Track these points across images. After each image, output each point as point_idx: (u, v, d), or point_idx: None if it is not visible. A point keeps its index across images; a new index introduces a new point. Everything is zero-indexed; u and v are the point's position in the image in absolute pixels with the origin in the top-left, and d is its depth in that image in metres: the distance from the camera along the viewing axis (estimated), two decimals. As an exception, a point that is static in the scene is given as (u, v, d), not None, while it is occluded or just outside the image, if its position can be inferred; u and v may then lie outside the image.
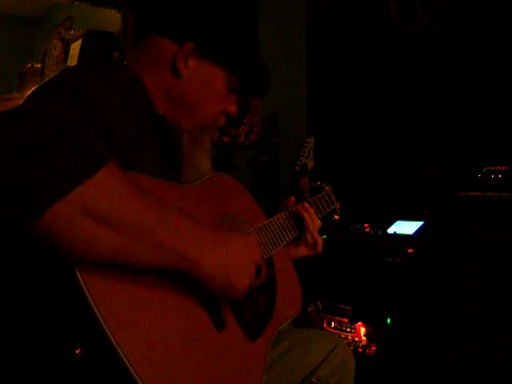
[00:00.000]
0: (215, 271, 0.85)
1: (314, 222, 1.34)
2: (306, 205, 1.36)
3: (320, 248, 1.38)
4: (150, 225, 0.75)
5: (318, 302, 2.28)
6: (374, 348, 2.09)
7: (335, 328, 2.23)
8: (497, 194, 1.93)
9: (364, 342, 2.12)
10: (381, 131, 2.73)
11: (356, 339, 2.15)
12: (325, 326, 2.27)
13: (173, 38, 1.05)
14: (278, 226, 1.24)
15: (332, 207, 1.45)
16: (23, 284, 0.76)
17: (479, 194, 1.96)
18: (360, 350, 2.11)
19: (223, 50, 1.09)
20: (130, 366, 0.71)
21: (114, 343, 0.70)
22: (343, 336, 2.19)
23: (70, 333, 0.73)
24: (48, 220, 0.67)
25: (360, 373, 1.39)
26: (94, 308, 0.70)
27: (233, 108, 1.15)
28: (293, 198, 1.39)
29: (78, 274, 0.71)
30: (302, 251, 1.36)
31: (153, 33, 1.07)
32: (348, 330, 2.19)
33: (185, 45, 1.04)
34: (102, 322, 0.70)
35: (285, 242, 1.26)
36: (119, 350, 0.71)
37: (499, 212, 1.91)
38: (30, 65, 4.02)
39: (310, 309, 2.28)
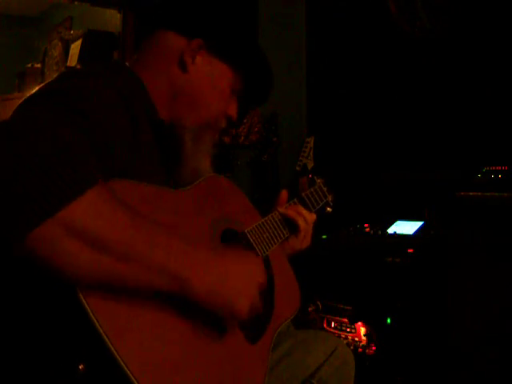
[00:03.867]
0: (209, 293, 0.80)
1: (306, 220, 1.32)
2: (293, 205, 1.34)
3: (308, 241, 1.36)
4: (138, 247, 0.73)
5: (318, 302, 2.28)
6: (374, 348, 2.09)
7: (335, 328, 2.23)
8: (497, 193, 1.92)
9: (364, 342, 2.12)
10: (381, 131, 2.73)
11: (356, 339, 2.15)
12: (325, 326, 2.27)
13: (182, 32, 1.05)
14: (272, 225, 1.24)
15: (324, 200, 1.45)
16: (25, 299, 0.75)
17: (479, 193, 1.96)
18: (360, 350, 2.11)
19: (230, 47, 1.09)
20: (133, 378, 0.70)
21: (117, 356, 0.70)
22: (343, 336, 2.19)
23: (73, 348, 0.73)
24: (33, 241, 0.65)
25: (360, 373, 1.39)
26: (95, 322, 0.70)
27: (233, 111, 1.15)
28: (285, 192, 1.37)
29: (78, 288, 0.70)
30: (290, 247, 1.34)
31: (159, 28, 1.06)
32: (348, 330, 2.19)
33: (193, 40, 1.04)
34: (104, 335, 0.70)
35: (280, 241, 1.26)
36: (121, 362, 0.70)
37: (499, 212, 1.90)
38: (30, 65, 4.02)
39: (310, 309, 2.28)
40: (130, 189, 0.84)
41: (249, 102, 1.23)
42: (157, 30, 1.07)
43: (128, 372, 0.70)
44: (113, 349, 0.70)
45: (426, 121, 2.55)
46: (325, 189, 1.46)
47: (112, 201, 0.73)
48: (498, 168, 2.02)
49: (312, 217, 1.35)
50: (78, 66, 3.14)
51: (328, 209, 1.47)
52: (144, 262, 0.74)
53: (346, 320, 2.19)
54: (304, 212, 1.33)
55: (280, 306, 1.15)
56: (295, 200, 1.37)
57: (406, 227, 2.30)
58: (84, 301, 0.70)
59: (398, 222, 2.38)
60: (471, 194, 1.98)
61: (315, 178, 1.48)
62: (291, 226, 1.31)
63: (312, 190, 1.43)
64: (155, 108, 1.03)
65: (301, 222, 1.30)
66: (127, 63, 1.10)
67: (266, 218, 1.24)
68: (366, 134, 2.80)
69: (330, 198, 1.47)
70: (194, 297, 0.80)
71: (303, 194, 1.40)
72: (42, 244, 0.66)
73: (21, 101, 0.84)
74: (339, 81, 2.98)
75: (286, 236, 1.29)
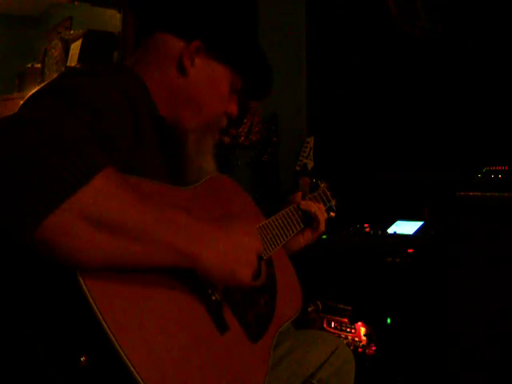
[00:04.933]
0: (217, 263, 0.84)
1: (323, 215, 1.38)
2: (318, 204, 1.40)
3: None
4: (148, 225, 0.74)
5: (318, 302, 2.28)
6: (373, 348, 2.09)
7: (335, 328, 2.23)
8: (497, 193, 1.92)
9: (364, 342, 2.12)
10: (381, 131, 2.73)
11: (356, 339, 2.15)
12: (325, 326, 2.27)
13: (180, 35, 1.05)
14: (281, 223, 1.25)
15: (328, 205, 1.46)
16: (27, 291, 0.75)
17: (479, 193, 1.96)
18: (360, 350, 2.11)
19: (230, 49, 1.09)
20: (134, 372, 0.70)
21: (119, 349, 0.70)
22: (343, 336, 2.19)
23: (75, 340, 0.73)
24: (46, 230, 0.65)
25: (360, 373, 1.39)
26: (98, 314, 0.70)
27: (233, 109, 1.15)
28: (300, 194, 1.41)
29: (81, 279, 0.70)
30: (304, 241, 1.38)
31: (158, 30, 1.06)
32: (348, 330, 2.19)
33: (192, 43, 1.04)
34: (107, 328, 0.70)
35: (288, 238, 1.26)
36: (124, 356, 0.70)
37: (499, 212, 1.90)
38: (30, 65, 4.02)
39: (310, 309, 2.28)
40: (135, 183, 0.84)
41: (249, 98, 1.23)
42: (155, 31, 1.07)
43: (130, 365, 0.70)
44: (115, 341, 0.70)
45: (426, 121, 2.55)
46: (328, 193, 1.47)
47: (121, 184, 0.73)
48: (498, 168, 2.02)
49: (325, 215, 1.41)
50: (78, 66, 3.14)
51: (331, 213, 1.48)
52: (156, 240, 0.75)
53: (346, 320, 2.19)
54: (322, 208, 1.40)
55: (282, 306, 1.15)
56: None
57: (406, 227, 2.30)
58: (87, 292, 0.70)
59: (398, 222, 2.38)
60: (471, 193, 1.98)
61: (319, 182, 1.49)
62: (308, 220, 1.36)
63: (316, 194, 1.44)
64: (156, 106, 1.03)
65: (321, 216, 1.36)
66: (126, 63, 1.10)
67: (274, 218, 1.24)
68: (366, 133, 2.80)
69: (333, 203, 1.48)
70: (203, 268, 0.83)
71: (307, 198, 1.40)
72: (56, 231, 0.66)
73: (21, 101, 0.85)
74: (339, 81, 2.98)
75: (299, 230, 1.33)
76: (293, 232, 1.30)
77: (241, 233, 0.92)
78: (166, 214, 0.78)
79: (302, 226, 1.35)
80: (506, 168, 2.01)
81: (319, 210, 1.36)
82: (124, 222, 0.72)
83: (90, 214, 0.68)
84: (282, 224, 1.25)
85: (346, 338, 2.18)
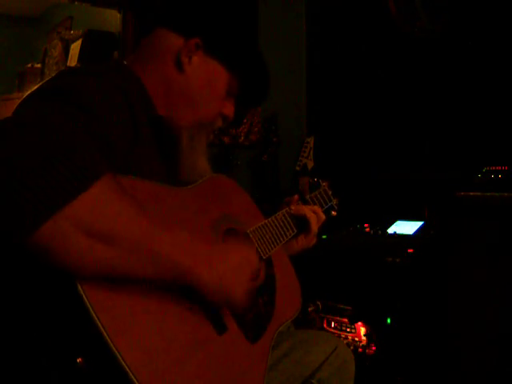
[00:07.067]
0: (212, 282, 0.83)
1: (319, 218, 1.35)
2: (313, 206, 1.37)
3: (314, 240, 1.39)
4: (145, 238, 0.74)
5: (318, 302, 2.28)
6: (374, 348, 2.09)
7: (335, 328, 2.23)
8: (497, 194, 1.92)
9: (364, 342, 2.12)
10: (381, 131, 2.73)
11: (356, 339, 2.15)
12: (325, 326, 2.27)
13: (180, 31, 1.05)
14: (277, 225, 1.24)
15: (329, 203, 1.45)
16: (24, 294, 0.76)
17: (479, 193, 1.96)
18: (360, 350, 2.11)
19: (228, 49, 1.09)
20: (131, 373, 0.71)
21: (115, 351, 0.70)
22: (343, 336, 2.18)
23: (71, 342, 0.73)
24: (42, 236, 0.66)
25: (360, 373, 1.39)
26: (94, 316, 0.70)
27: (230, 111, 1.15)
28: (296, 197, 1.39)
29: (78, 283, 0.71)
30: (299, 246, 1.36)
31: (158, 26, 1.07)
32: (348, 330, 2.19)
33: (191, 40, 1.04)
34: (102, 329, 0.70)
35: (284, 241, 1.26)
36: (120, 358, 0.70)
37: (499, 212, 1.90)
38: (30, 65, 4.02)
39: (310, 309, 2.27)
40: (133, 185, 0.84)
41: (246, 102, 1.23)
42: (155, 28, 1.08)
43: (126, 367, 0.70)
44: (111, 344, 0.70)
45: (426, 121, 2.55)
46: (330, 192, 1.46)
47: (118, 193, 0.73)
48: (498, 168, 2.02)
49: (323, 216, 1.38)
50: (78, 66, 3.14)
51: (333, 212, 1.47)
52: (152, 253, 0.75)
53: (346, 320, 2.19)
54: (318, 210, 1.36)
55: (281, 306, 1.15)
56: (299, 203, 1.37)
57: (406, 227, 2.30)
58: (84, 295, 0.70)
59: (398, 222, 2.38)
60: (471, 193, 1.98)
61: (320, 181, 1.48)
62: (301, 224, 1.32)
63: (317, 193, 1.43)
64: (154, 105, 1.03)
65: (313, 220, 1.33)
66: (125, 62, 1.10)
67: (271, 218, 1.24)
68: (366, 133, 2.80)
69: (335, 202, 1.47)
70: (198, 286, 0.82)
71: (308, 197, 1.40)
72: (51, 239, 0.66)
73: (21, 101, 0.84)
74: (339, 81, 2.98)
75: (293, 234, 1.31)
76: (290, 232, 1.30)
77: (238, 253, 0.91)
78: (164, 229, 0.77)
79: (296, 230, 1.33)
80: (506, 168, 2.01)
81: (311, 213, 1.33)
82: (120, 232, 0.71)
83: (86, 222, 0.68)
84: (280, 224, 1.25)
85: (346, 337, 2.17)
